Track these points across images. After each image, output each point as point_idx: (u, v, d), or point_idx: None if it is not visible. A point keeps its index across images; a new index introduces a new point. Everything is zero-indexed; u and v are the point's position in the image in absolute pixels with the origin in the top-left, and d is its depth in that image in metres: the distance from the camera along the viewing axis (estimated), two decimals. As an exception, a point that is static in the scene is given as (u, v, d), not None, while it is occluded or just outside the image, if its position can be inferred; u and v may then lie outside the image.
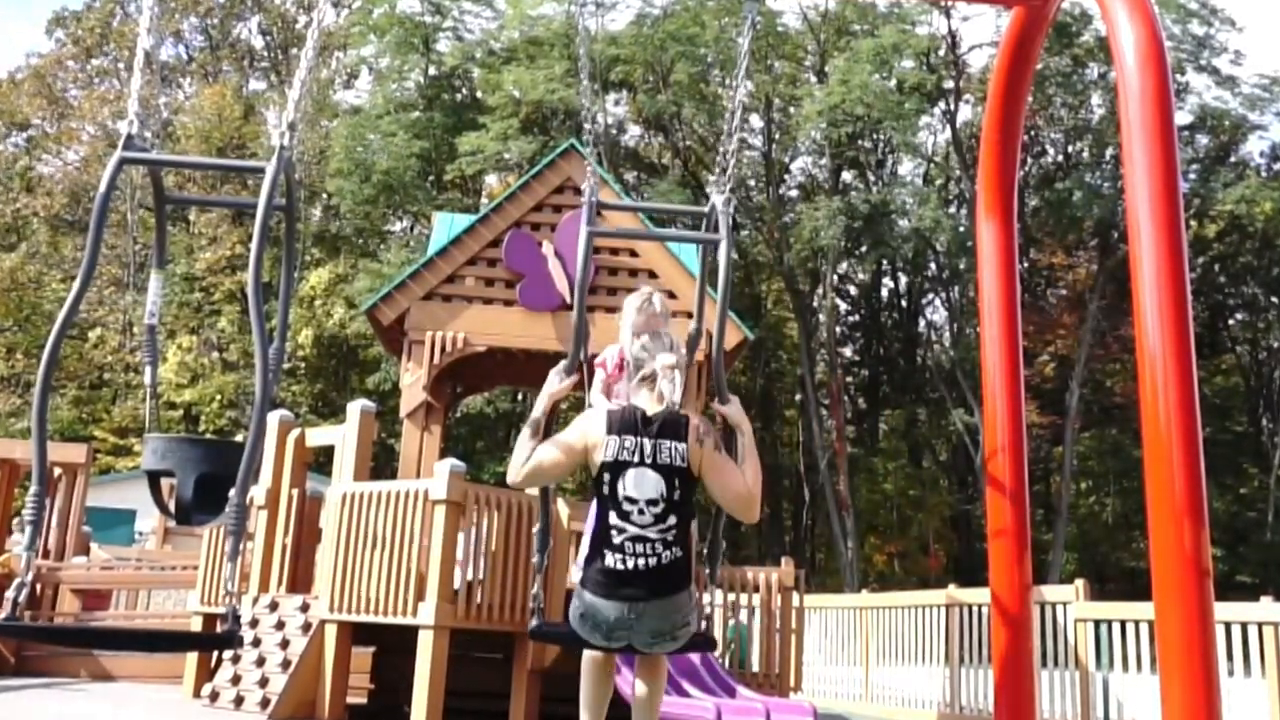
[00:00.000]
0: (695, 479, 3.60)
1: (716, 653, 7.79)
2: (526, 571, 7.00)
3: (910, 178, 37.23)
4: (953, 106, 33.95)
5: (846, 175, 36.52)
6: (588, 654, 3.90)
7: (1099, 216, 30.88)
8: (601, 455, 3.59)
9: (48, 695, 8.04)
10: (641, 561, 3.49)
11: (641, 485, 3.54)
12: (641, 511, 3.52)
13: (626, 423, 3.63)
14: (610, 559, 3.51)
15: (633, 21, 33.54)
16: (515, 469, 3.63)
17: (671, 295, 9.33)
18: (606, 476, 3.57)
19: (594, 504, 3.69)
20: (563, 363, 3.96)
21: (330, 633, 7.17)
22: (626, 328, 4.37)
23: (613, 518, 3.54)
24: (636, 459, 3.56)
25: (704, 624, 4.01)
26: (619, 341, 4.48)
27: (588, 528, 3.81)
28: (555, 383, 3.86)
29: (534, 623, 3.96)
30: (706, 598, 4.19)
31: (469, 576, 6.98)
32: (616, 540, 3.52)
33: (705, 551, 4.10)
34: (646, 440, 3.58)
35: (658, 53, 32.23)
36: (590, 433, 3.65)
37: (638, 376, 3.77)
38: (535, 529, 4.12)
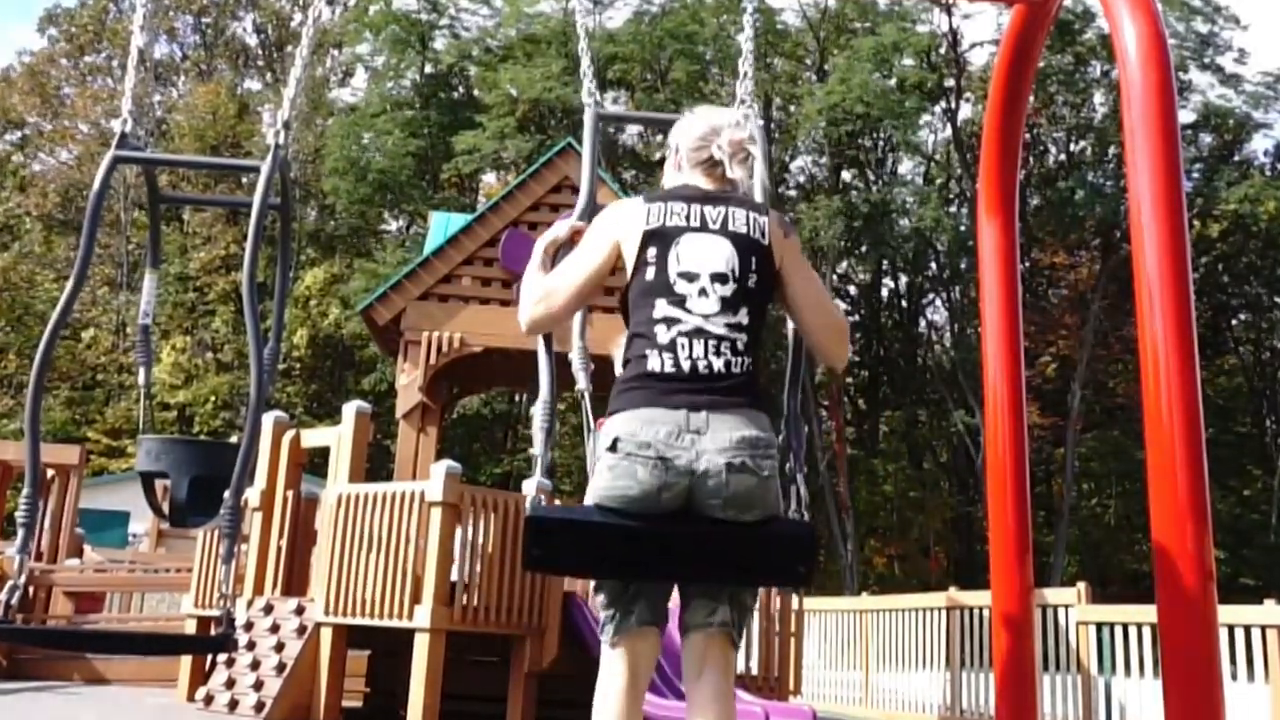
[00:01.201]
0: (775, 272, 2.57)
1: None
2: (523, 574, 6.94)
3: (910, 177, 37.25)
4: (953, 105, 33.94)
5: (846, 174, 36.52)
6: (609, 673, 2.52)
7: (1101, 216, 30.86)
8: (642, 227, 2.55)
9: (41, 699, 7.99)
10: (702, 363, 2.44)
11: (705, 254, 2.50)
12: (704, 292, 2.47)
13: (673, 193, 2.62)
14: (655, 360, 2.45)
15: (631, 19, 33.53)
16: (526, 304, 2.68)
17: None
18: (652, 252, 2.51)
19: (630, 319, 2.58)
20: (578, 210, 3.12)
21: (326, 636, 7.13)
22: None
23: (660, 307, 2.48)
24: (696, 223, 2.54)
25: (801, 507, 2.67)
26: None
27: (621, 355, 2.64)
28: (561, 229, 2.86)
29: (531, 494, 2.70)
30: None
31: (453, 577, 6.94)
32: (665, 338, 2.46)
33: (789, 438, 2.84)
34: (709, 207, 2.56)
35: (656, 51, 32.23)
36: (622, 212, 2.61)
37: (690, 162, 2.69)
38: (537, 404, 3.01)
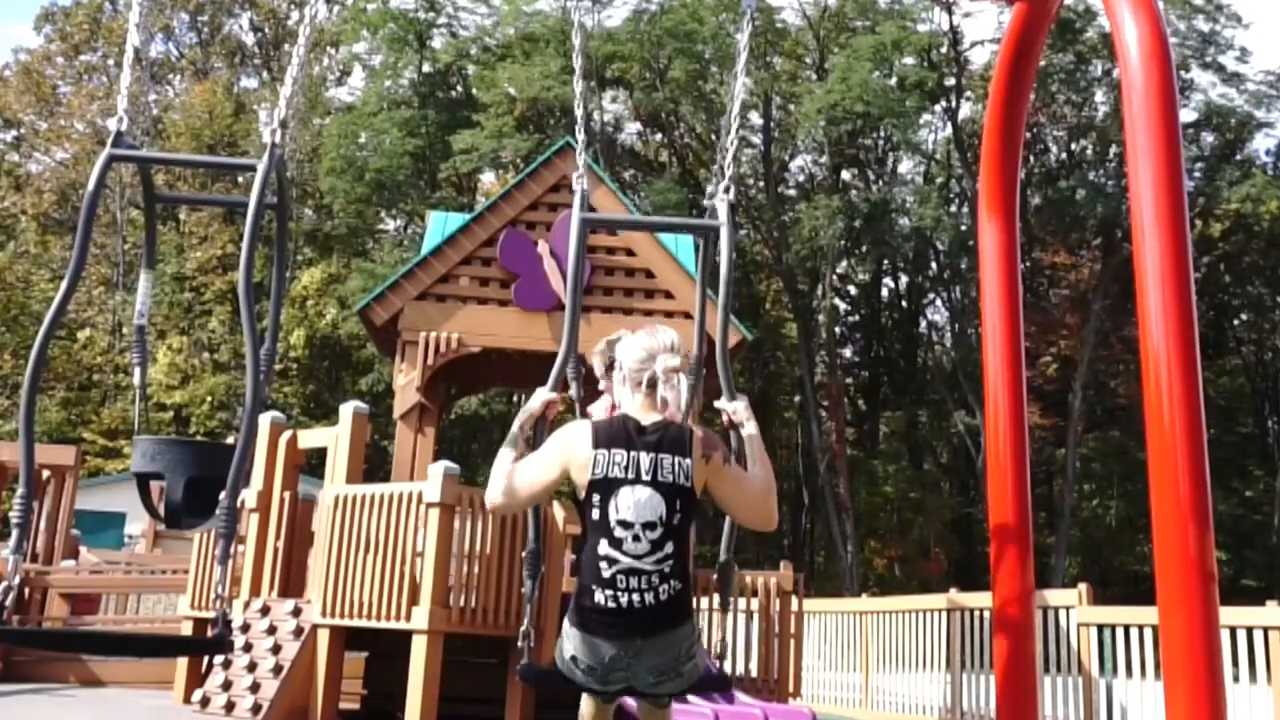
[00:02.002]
0: (697, 500, 3.22)
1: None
2: (520, 575, 6.91)
3: (911, 176, 37.24)
4: (954, 104, 33.92)
5: (846, 174, 36.49)
6: (586, 703, 3.50)
7: (1102, 215, 30.86)
8: (589, 474, 3.15)
9: (36, 701, 7.96)
10: (636, 597, 3.09)
11: (638, 507, 3.11)
12: (637, 538, 3.09)
13: (616, 435, 3.19)
14: (600, 596, 3.10)
15: (629, 18, 33.47)
16: (494, 491, 3.26)
17: (669, 295, 9.26)
18: (596, 498, 3.14)
19: (582, 531, 3.26)
20: (551, 379, 3.59)
21: (322, 638, 7.10)
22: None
23: (603, 546, 3.11)
24: (631, 475, 3.13)
25: (718, 663, 3.75)
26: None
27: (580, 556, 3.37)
28: (535, 403, 3.41)
29: (523, 661, 3.51)
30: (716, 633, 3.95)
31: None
32: (607, 574, 3.10)
33: (717, 575, 3.73)
34: (643, 455, 3.15)
35: (655, 49, 32.19)
36: (573, 447, 3.21)
37: (632, 381, 3.31)
38: (525, 551, 3.67)
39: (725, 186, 3.87)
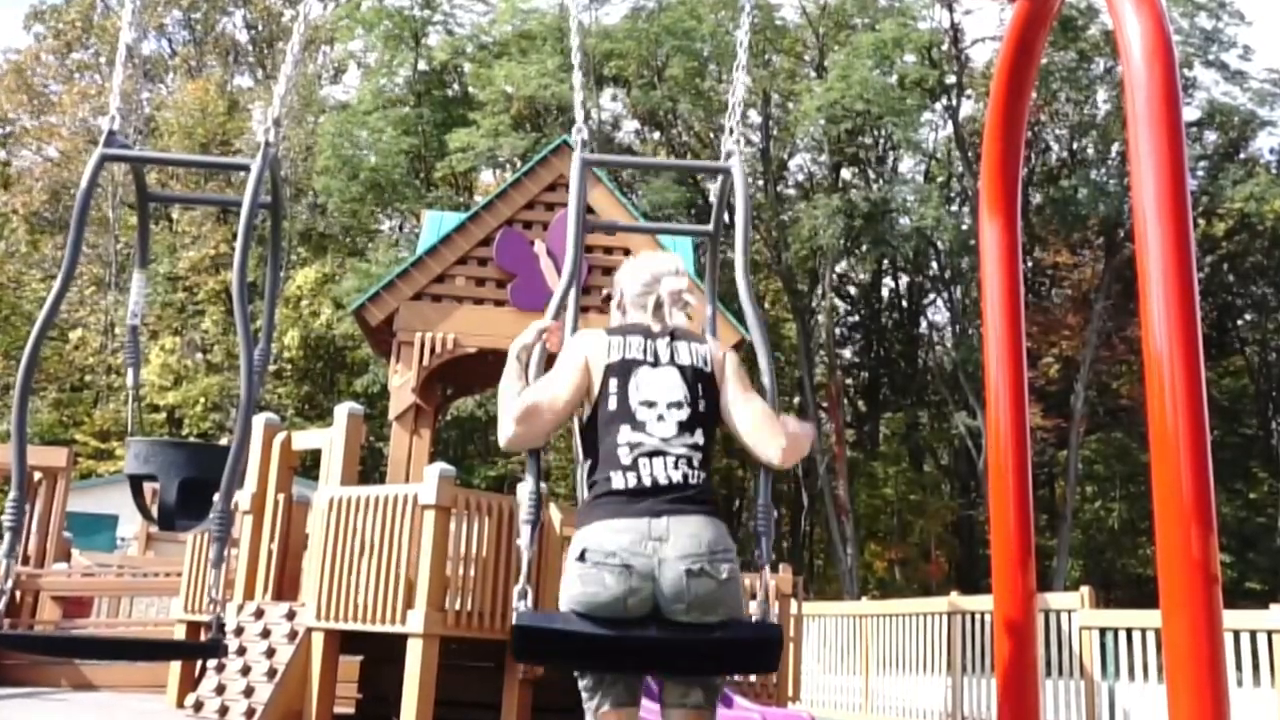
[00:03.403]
0: (719, 393, 2.86)
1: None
2: (517, 578, 6.86)
3: (911, 175, 37.16)
4: (955, 102, 33.86)
5: (846, 173, 36.42)
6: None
7: (1104, 214, 30.79)
8: (605, 360, 2.81)
9: (28, 705, 7.91)
10: (662, 476, 2.69)
11: (661, 385, 2.79)
12: (662, 418, 2.75)
13: (632, 329, 2.92)
14: (619, 479, 2.70)
15: (627, 15, 33.42)
16: (507, 421, 2.80)
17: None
18: (613, 384, 2.78)
19: (596, 439, 2.80)
20: (551, 308, 3.20)
21: (317, 641, 7.06)
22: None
23: (623, 434, 2.73)
24: (650, 359, 2.83)
25: (767, 599, 2.90)
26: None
27: (585, 478, 2.87)
28: (530, 333, 3.02)
29: (520, 607, 2.78)
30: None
31: None
32: (627, 459, 2.71)
33: (757, 526, 3.00)
34: (660, 342, 2.87)
35: (653, 47, 32.12)
36: (589, 343, 2.87)
37: (636, 307, 2.99)
38: (521, 489, 3.05)
39: (735, 139, 3.53)
